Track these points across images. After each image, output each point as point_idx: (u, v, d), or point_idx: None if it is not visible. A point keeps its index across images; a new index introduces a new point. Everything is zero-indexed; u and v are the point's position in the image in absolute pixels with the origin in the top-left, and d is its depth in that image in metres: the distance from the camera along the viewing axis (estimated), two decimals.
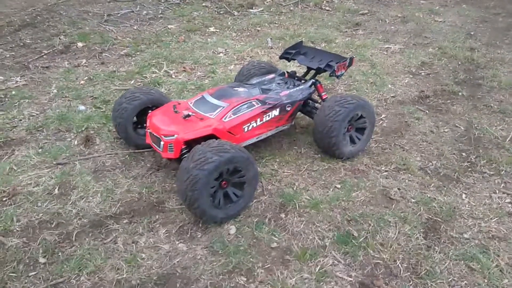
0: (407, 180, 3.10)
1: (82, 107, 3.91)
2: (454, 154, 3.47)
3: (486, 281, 2.30)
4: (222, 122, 2.85)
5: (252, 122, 3.01)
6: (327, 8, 7.29)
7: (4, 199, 2.74)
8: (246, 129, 3.00)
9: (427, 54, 5.52)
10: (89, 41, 5.56)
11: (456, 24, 6.72)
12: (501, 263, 2.40)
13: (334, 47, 5.65)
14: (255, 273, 2.29)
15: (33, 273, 2.24)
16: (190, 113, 2.85)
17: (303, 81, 3.50)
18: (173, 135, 2.70)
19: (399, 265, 2.36)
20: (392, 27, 6.54)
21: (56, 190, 2.84)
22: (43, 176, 2.97)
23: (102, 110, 3.89)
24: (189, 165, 2.40)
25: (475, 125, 3.89)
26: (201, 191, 2.36)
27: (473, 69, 5.13)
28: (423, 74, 5.00)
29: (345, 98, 3.13)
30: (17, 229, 2.52)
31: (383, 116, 4.02)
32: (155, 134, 2.81)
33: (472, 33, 6.29)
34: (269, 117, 3.11)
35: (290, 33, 6.09)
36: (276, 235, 2.54)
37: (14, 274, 2.23)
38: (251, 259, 2.37)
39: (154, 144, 2.89)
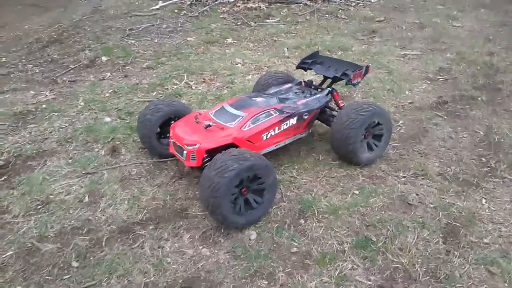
0: (425, 186, 3.12)
1: (108, 119, 4.09)
2: (473, 159, 3.48)
3: (506, 285, 2.31)
4: (241, 131, 2.95)
5: (270, 131, 3.11)
6: (343, 16, 7.37)
7: (38, 207, 2.91)
8: (264, 138, 3.10)
9: (445, 60, 5.52)
10: (113, 55, 5.79)
11: (474, 29, 6.69)
12: None
13: (350, 55, 5.71)
14: (276, 277, 2.36)
15: (67, 277, 2.38)
16: (211, 123, 2.97)
17: (319, 90, 3.58)
18: (195, 145, 2.82)
19: (418, 269, 2.39)
20: (409, 34, 6.56)
21: (86, 198, 2.99)
22: (73, 185, 3.14)
23: (126, 122, 4.06)
24: (211, 173, 2.50)
25: (495, 130, 3.88)
26: (223, 198, 2.46)
27: (492, 73, 5.11)
28: (441, 79, 5.01)
29: (362, 105, 3.19)
30: (51, 235, 2.67)
31: (400, 122, 4.05)
32: (178, 144, 2.94)
33: (491, 37, 6.25)
34: (287, 125, 3.20)
35: (306, 42, 6.19)
36: (296, 240, 2.62)
37: (50, 277, 2.37)
38: (272, 264, 2.44)
39: (177, 153, 3.02)
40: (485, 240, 2.61)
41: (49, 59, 5.75)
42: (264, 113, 3.09)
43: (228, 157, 2.54)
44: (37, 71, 5.41)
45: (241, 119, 3.01)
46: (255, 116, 3.04)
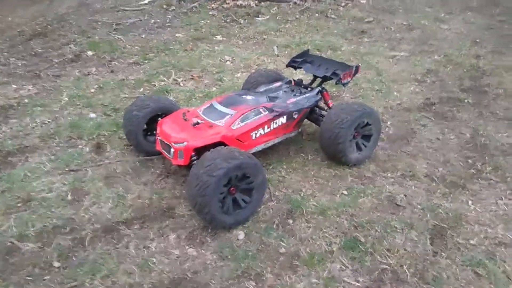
0: (413, 187, 3.13)
1: (92, 115, 4.00)
2: (460, 161, 3.50)
3: (492, 287, 2.32)
4: (230, 129, 2.91)
5: (260, 129, 3.07)
6: (332, 16, 7.37)
7: (19, 204, 2.81)
8: (254, 136, 3.06)
9: (433, 62, 5.56)
10: (99, 50, 5.67)
11: (461, 31, 6.77)
12: (508, 269, 2.42)
13: (339, 55, 5.72)
14: (264, 278, 2.33)
15: (48, 277, 2.30)
16: (199, 121, 2.92)
17: (309, 89, 3.56)
18: (183, 142, 2.77)
19: (406, 270, 2.38)
20: (398, 35, 6.60)
21: (69, 196, 2.91)
22: (56, 182, 3.04)
23: (112, 118, 3.97)
24: (198, 171, 2.45)
25: (481, 132, 3.92)
26: (211, 197, 2.41)
27: (478, 76, 5.16)
28: (428, 81, 5.04)
29: (351, 105, 3.18)
30: (32, 234, 2.58)
31: (389, 123, 4.06)
32: (165, 142, 2.87)
33: (477, 40, 6.33)
34: (276, 124, 3.16)
35: (296, 41, 6.17)
36: (284, 241, 2.59)
37: (30, 278, 2.29)
38: (259, 264, 2.41)
39: (164, 151, 2.96)
40: (472, 242, 2.62)
41: (33, 53, 5.61)
42: (254, 111, 3.05)
43: (216, 156, 2.49)
44: (20, 64, 5.26)
45: (230, 117, 2.97)
46: (244, 114, 3.00)
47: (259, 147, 3.15)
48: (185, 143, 2.76)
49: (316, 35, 6.46)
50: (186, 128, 2.88)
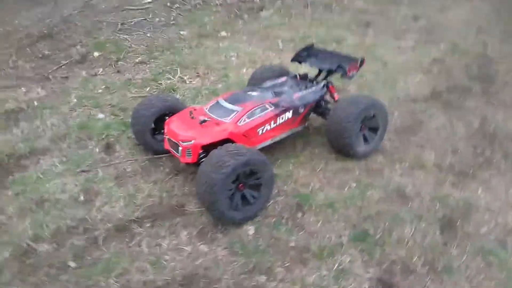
0: (421, 177, 3.13)
1: (101, 115, 4.04)
2: (469, 149, 3.49)
3: (503, 275, 2.32)
4: (237, 126, 2.93)
5: (266, 125, 3.08)
6: (336, 9, 7.32)
7: (33, 206, 2.87)
8: (260, 132, 3.08)
9: (439, 51, 5.51)
10: (105, 50, 5.71)
11: (468, 19, 6.68)
12: None
13: (345, 47, 5.68)
14: (275, 272, 2.36)
15: (64, 277, 2.35)
16: (206, 118, 2.94)
17: (315, 83, 3.56)
18: (191, 141, 2.80)
19: (416, 261, 2.40)
20: (403, 25, 6.54)
21: (81, 196, 2.96)
22: (68, 183, 3.10)
23: (120, 118, 4.01)
24: (207, 169, 2.48)
25: (490, 120, 3.89)
26: (219, 194, 2.44)
27: (486, 64, 5.12)
28: (435, 71, 5.01)
29: (357, 98, 3.19)
30: (47, 235, 2.63)
31: (396, 114, 4.04)
32: (173, 140, 2.91)
33: (484, 28, 6.24)
34: (282, 119, 3.18)
35: (300, 34, 6.15)
36: (294, 235, 2.61)
37: (47, 279, 2.34)
38: (270, 259, 2.44)
39: (172, 150, 2.99)
40: (482, 231, 2.63)
41: (40, 55, 5.65)
42: (260, 107, 3.07)
43: (224, 153, 2.51)
44: (28, 67, 5.31)
45: (237, 113, 2.99)
46: (250, 111, 3.02)
47: (266, 143, 3.17)
48: (193, 141, 2.79)
49: (321, 28, 6.43)
50: (193, 126, 2.91)
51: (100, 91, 4.62)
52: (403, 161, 3.31)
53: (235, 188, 2.59)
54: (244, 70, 5.08)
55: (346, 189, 3.01)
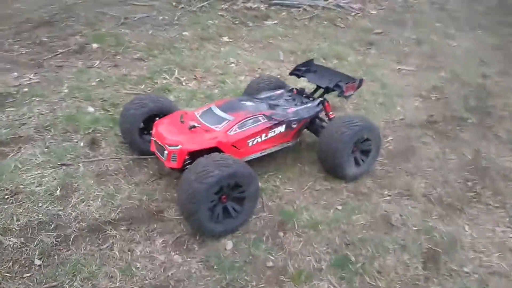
0: (409, 207, 3.06)
1: (91, 109, 3.94)
2: (459, 182, 3.43)
3: None
4: (227, 135, 2.85)
5: (257, 137, 3.01)
6: (341, 25, 7.31)
7: (6, 197, 2.76)
8: (250, 144, 3.00)
9: (439, 78, 5.49)
10: (104, 43, 5.62)
11: (470, 49, 6.69)
12: None
13: (345, 65, 5.65)
14: None
15: (27, 275, 2.24)
16: (196, 124, 2.86)
17: (311, 99, 3.50)
18: (177, 145, 2.71)
19: None
20: (406, 49, 6.53)
21: (58, 191, 2.85)
22: (46, 176, 2.99)
23: (110, 113, 3.92)
24: (190, 177, 2.40)
25: (483, 155, 3.85)
26: (200, 204, 2.36)
27: (484, 96, 5.09)
28: (433, 98, 4.98)
29: (352, 119, 3.12)
30: (16, 228, 2.52)
31: (390, 138, 3.99)
32: (159, 143, 2.82)
33: (485, 60, 6.25)
34: (274, 133, 3.10)
35: (302, 47, 6.11)
36: (273, 254, 2.53)
37: (9, 275, 2.23)
38: (245, 277, 2.35)
39: (158, 153, 2.90)
40: (465, 269, 2.55)
41: (38, 41, 5.55)
42: (252, 118, 3.00)
43: (210, 162, 2.43)
44: (24, 52, 5.21)
45: (228, 122, 2.91)
46: (242, 121, 2.94)
47: (255, 155, 3.09)
48: (180, 146, 2.71)
49: (323, 43, 6.40)
50: (182, 131, 2.83)
51: (93, 84, 4.53)
52: (393, 188, 3.25)
53: (218, 200, 2.50)
54: (242, 78, 5.02)
55: (332, 211, 2.93)
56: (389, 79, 5.31)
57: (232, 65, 5.41)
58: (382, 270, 2.46)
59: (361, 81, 3.46)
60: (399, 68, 5.73)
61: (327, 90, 3.47)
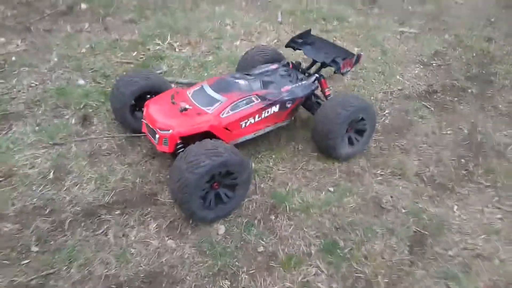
0: (401, 187, 3.09)
1: (81, 81, 3.85)
2: (453, 160, 3.43)
3: None
4: (219, 118, 2.80)
5: (250, 119, 2.96)
6: None
7: (0, 180, 2.78)
8: (243, 125, 2.96)
9: (442, 42, 5.30)
10: (93, 3, 5.37)
11: (477, 7, 6.40)
12: (480, 284, 2.45)
13: (346, 27, 5.44)
14: (239, 278, 2.35)
15: (25, 262, 2.32)
16: (187, 106, 2.80)
17: (307, 75, 3.40)
18: (169, 130, 2.68)
19: (380, 280, 2.41)
20: (410, 7, 6.24)
21: (51, 174, 2.86)
22: (39, 157, 2.99)
23: (101, 86, 3.83)
24: (181, 166, 2.39)
25: (479, 129, 3.81)
26: (191, 194, 2.37)
27: (487, 62, 4.95)
28: (434, 65, 4.84)
29: (348, 99, 3.06)
30: (12, 213, 2.57)
31: (386, 111, 3.94)
32: (151, 126, 2.78)
33: (492, 19, 5.98)
34: (268, 113, 3.05)
35: (302, 7, 5.84)
36: (264, 239, 2.59)
37: (7, 262, 2.31)
38: (236, 263, 2.43)
39: (149, 135, 2.87)
40: (450, 253, 2.63)
41: (23, 1, 5.29)
42: (245, 99, 2.93)
43: (201, 151, 2.41)
44: (9, 14, 4.99)
45: (220, 104, 2.85)
46: (235, 102, 2.88)
47: (248, 136, 3.06)
48: (171, 130, 2.68)
49: (324, 2, 6.10)
50: (173, 113, 2.77)
51: (83, 51, 4.39)
52: (386, 167, 3.26)
53: (209, 187, 2.52)
54: (238, 43, 4.86)
55: (323, 192, 2.96)
56: (390, 44, 5.13)
57: (228, 27, 5.20)
58: (369, 256, 2.54)
59: (358, 56, 3.33)
60: (401, 30, 5.51)
61: (323, 65, 3.36)
